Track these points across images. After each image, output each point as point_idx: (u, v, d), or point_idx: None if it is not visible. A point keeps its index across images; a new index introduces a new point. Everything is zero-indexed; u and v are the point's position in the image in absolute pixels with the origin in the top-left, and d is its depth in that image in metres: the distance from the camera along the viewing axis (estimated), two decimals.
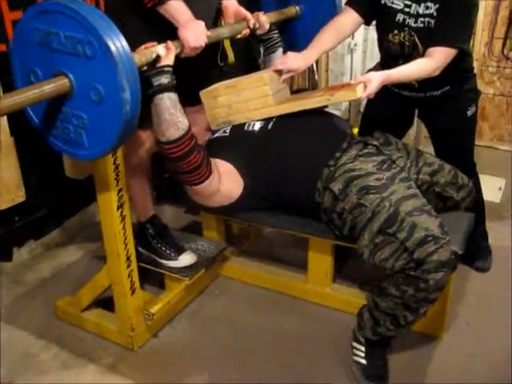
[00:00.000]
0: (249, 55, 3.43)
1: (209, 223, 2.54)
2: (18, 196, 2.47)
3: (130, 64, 1.46)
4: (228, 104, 2.10)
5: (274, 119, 2.05)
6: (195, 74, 2.00)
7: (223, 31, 2.04)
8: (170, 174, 1.92)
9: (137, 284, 2.07)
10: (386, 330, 1.85)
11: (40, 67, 1.57)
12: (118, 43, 1.43)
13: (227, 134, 2.08)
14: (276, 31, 2.34)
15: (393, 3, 2.08)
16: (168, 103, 1.72)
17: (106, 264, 2.05)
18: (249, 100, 2.07)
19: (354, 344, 1.98)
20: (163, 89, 1.70)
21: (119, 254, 1.96)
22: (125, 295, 2.04)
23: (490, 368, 2.01)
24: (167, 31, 1.81)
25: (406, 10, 2.07)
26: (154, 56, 1.69)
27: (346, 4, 2.20)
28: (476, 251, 2.51)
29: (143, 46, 1.71)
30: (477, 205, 2.28)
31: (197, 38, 1.82)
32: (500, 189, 3.31)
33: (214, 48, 2.09)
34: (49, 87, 1.46)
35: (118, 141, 1.56)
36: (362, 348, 1.95)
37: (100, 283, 2.13)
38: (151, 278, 2.35)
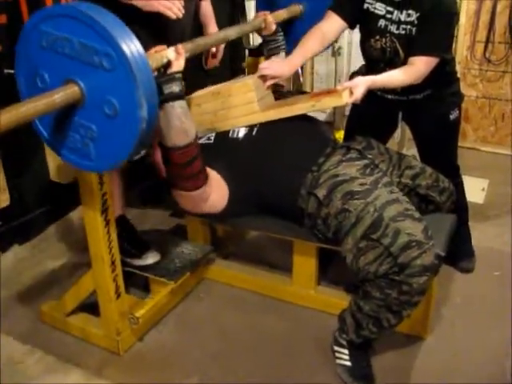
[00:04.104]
0: (233, 59, 3.43)
1: (194, 226, 2.54)
2: (3, 200, 2.45)
3: (150, 81, 1.40)
4: (213, 111, 2.09)
5: (258, 125, 2.05)
6: None
7: (231, 33, 2.04)
8: (165, 178, 1.92)
9: (122, 288, 2.07)
10: (370, 332, 1.87)
11: (48, 72, 1.48)
12: (139, 59, 1.35)
13: (211, 141, 2.08)
14: (281, 33, 2.30)
15: (375, 9, 2.10)
16: (179, 111, 1.70)
17: (90, 268, 2.05)
18: (234, 107, 2.06)
19: (336, 348, 2.00)
20: (174, 97, 1.68)
21: (104, 259, 1.96)
22: (110, 299, 2.04)
23: (474, 368, 2.03)
24: (157, 36, 1.78)
25: (388, 16, 2.08)
26: (164, 61, 1.66)
27: (330, 9, 2.19)
28: (459, 252, 2.54)
29: (153, 50, 1.68)
30: (460, 206, 2.31)
31: None
32: (483, 190, 3.34)
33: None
34: (58, 96, 1.38)
35: (128, 156, 1.48)
36: (345, 351, 1.97)
37: (85, 288, 2.13)
38: (136, 281, 2.34)
